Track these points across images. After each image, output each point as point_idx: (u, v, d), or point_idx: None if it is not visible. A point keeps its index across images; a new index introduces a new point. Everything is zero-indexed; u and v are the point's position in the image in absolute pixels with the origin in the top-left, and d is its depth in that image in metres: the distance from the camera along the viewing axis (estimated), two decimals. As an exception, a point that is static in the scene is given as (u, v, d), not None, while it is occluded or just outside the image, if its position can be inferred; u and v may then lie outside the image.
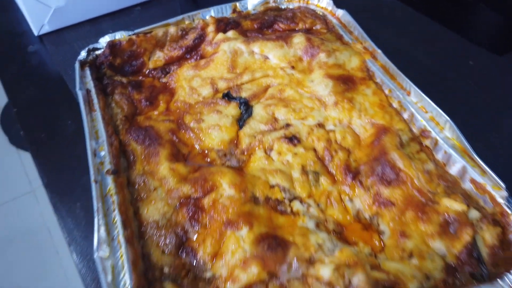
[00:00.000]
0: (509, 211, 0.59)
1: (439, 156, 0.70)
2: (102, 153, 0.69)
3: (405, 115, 0.77)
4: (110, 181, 0.65)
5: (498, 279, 0.53)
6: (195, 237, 0.63)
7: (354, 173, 0.72)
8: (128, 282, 0.52)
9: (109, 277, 0.52)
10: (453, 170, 0.68)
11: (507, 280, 0.52)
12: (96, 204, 0.59)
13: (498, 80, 1.00)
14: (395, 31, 1.14)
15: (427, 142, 0.73)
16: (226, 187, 0.67)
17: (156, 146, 0.74)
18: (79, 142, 0.88)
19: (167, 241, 0.62)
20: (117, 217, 0.59)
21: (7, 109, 2.77)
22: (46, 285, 1.92)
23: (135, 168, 0.72)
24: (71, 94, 1.00)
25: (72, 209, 0.78)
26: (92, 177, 0.63)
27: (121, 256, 0.55)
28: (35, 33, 1.21)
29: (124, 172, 0.71)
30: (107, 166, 0.67)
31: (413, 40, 1.12)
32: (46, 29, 1.22)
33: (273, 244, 0.60)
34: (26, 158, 2.49)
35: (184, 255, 0.62)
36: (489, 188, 0.62)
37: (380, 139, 0.73)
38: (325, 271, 0.55)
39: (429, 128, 0.72)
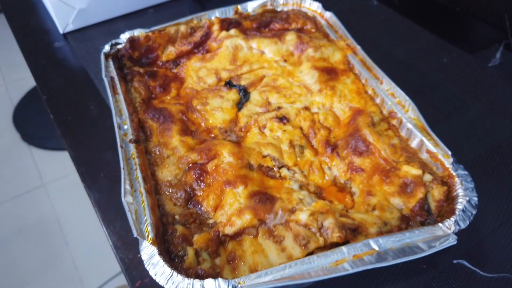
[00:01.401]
0: (453, 173, 0.74)
1: (403, 133, 0.85)
2: (125, 127, 0.84)
3: (377, 100, 0.92)
4: (132, 148, 0.80)
5: (439, 223, 0.67)
6: (200, 193, 0.78)
7: (333, 147, 0.86)
8: (148, 221, 0.67)
9: (133, 216, 0.67)
10: (414, 143, 0.82)
11: (446, 224, 0.67)
12: (122, 163, 0.74)
13: (466, 74, 1.14)
14: (379, 31, 1.29)
15: (394, 122, 0.87)
16: (226, 155, 0.82)
17: (169, 123, 0.89)
18: (101, 123, 1.04)
19: (178, 195, 0.77)
20: (138, 174, 0.74)
21: (19, 108, 2.90)
22: (55, 275, 2.05)
23: (152, 140, 0.87)
24: (93, 83, 1.16)
25: (96, 178, 0.93)
26: (119, 143, 0.78)
27: (143, 202, 0.70)
28: (61, 31, 1.36)
29: (143, 143, 0.86)
30: (130, 136, 0.82)
31: (394, 39, 1.26)
32: (70, 27, 1.37)
33: (263, 198, 0.75)
34: (37, 154, 2.64)
35: (192, 206, 0.76)
36: (440, 156, 0.77)
37: (355, 119, 0.88)
38: (302, 216, 0.70)
39: (395, 110, 0.87)
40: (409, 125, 0.83)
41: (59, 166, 2.56)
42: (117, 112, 0.87)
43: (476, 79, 1.13)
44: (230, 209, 0.74)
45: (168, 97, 0.99)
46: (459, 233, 0.67)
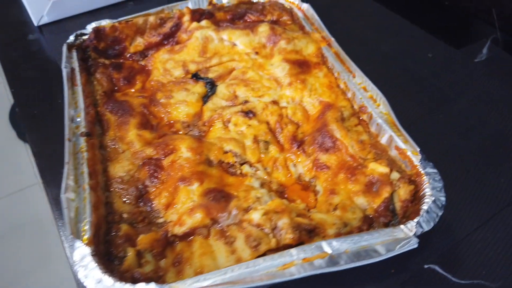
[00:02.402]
0: (421, 171, 0.68)
1: (373, 128, 0.80)
2: (79, 119, 0.80)
3: (349, 94, 0.86)
4: (82, 141, 0.75)
5: (401, 225, 0.62)
6: (153, 190, 0.73)
7: (299, 143, 0.81)
8: (88, 219, 0.62)
9: (72, 214, 0.62)
10: (383, 139, 0.77)
11: (408, 226, 0.62)
12: (67, 157, 0.70)
13: (451, 70, 1.09)
14: (364, 24, 1.24)
15: (364, 117, 0.82)
16: (184, 151, 0.77)
17: (127, 116, 0.84)
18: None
19: (129, 192, 0.73)
20: (85, 169, 0.70)
21: (15, 106, 2.89)
22: (50, 273, 2.00)
23: (108, 134, 0.83)
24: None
25: (55, 174, 0.88)
26: (66, 136, 0.73)
27: (85, 199, 0.65)
28: (35, 23, 1.32)
29: (99, 137, 0.82)
30: (82, 129, 0.77)
31: (379, 33, 1.21)
32: (45, 20, 1.33)
33: (218, 196, 0.70)
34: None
35: (142, 204, 0.72)
36: (409, 153, 0.71)
37: (324, 114, 0.83)
38: (255, 215, 0.65)
39: (366, 104, 0.81)
40: (379, 120, 0.78)
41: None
42: (72, 104, 0.82)
43: (461, 75, 1.07)
44: (182, 208, 0.69)
45: (132, 90, 0.95)
46: (432, 236, 0.62)
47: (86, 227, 0.61)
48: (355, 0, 1.35)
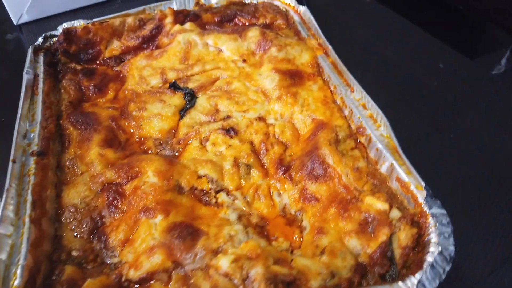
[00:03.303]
0: (427, 212, 0.57)
1: (371, 154, 0.68)
2: (32, 135, 0.69)
3: (346, 112, 0.75)
4: (32, 162, 0.65)
5: (400, 281, 0.51)
6: (110, 222, 0.63)
7: (286, 167, 0.70)
8: (21, 262, 0.52)
9: (4, 255, 0.52)
10: (383, 168, 0.66)
11: (409, 283, 0.50)
12: (8, 183, 0.59)
13: (465, 82, 0.97)
14: (367, 27, 1.13)
15: (362, 139, 0.71)
16: (150, 175, 0.67)
17: (91, 131, 0.74)
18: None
19: (82, 225, 0.62)
20: (28, 197, 0.59)
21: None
22: None
23: (68, 152, 0.72)
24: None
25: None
26: (12, 157, 0.63)
27: (22, 235, 0.55)
28: (14, 22, 1.23)
29: (56, 155, 0.71)
30: (34, 147, 0.67)
31: (383, 37, 1.10)
32: (25, 18, 1.24)
33: (184, 233, 0.59)
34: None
35: (95, 240, 0.61)
36: (413, 188, 0.60)
37: (316, 134, 0.72)
38: (223, 262, 0.54)
39: (365, 125, 0.70)
40: (379, 145, 0.66)
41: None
42: (27, 117, 0.72)
43: (475, 88, 0.95)
44: (141, 246, 0.59)
45: (103, 100, 0.84)
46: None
47: (18, 272, 0.51)
48: (359, 1, 1.23)
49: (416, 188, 0.60)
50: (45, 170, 0.65)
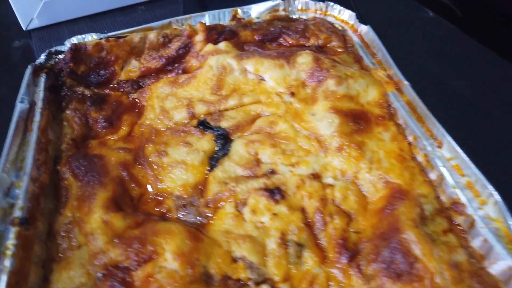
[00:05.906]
0: None
1: (475, 244, 0.49)
2: (18, 192, 0.52)
3: (432, 175, 0.56)
4: (12, 233, 0.48)
5: None
6: (111, 329, 0.45)
7: (352, 252, 0.52)
8: None
9: None
10: (495, 268, 0.47)
11: None
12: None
13: None
14: (433, 54, 0.93)
15: (460, 220, 0.51)
16: (169, 257, 0.49)
17: (95, 185, 0.57)
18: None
19: (72, 330, 0.45)
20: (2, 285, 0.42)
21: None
22: None
23: (64, 213, 0.55)
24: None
25: None
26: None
27: None
28: (23, 27, 1.09)
29: (48, 217, 0.54)
30: (17, 212, 0.50)
31: (455, 67, 0.90)
32: (36, 24, 1.11)
33: None
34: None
35: None
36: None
37: (394, 207, 0.53)
38: None
39: (463, 200, 0.51)
40: (487, 234, 0.47)
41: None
42: (15, 163, 0.55)
43: None
44: None
45: (114, 137, 0.67)
46: None
47: None
48: (424, 20, 1.04)
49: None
50: (29, 245, 0.48)
